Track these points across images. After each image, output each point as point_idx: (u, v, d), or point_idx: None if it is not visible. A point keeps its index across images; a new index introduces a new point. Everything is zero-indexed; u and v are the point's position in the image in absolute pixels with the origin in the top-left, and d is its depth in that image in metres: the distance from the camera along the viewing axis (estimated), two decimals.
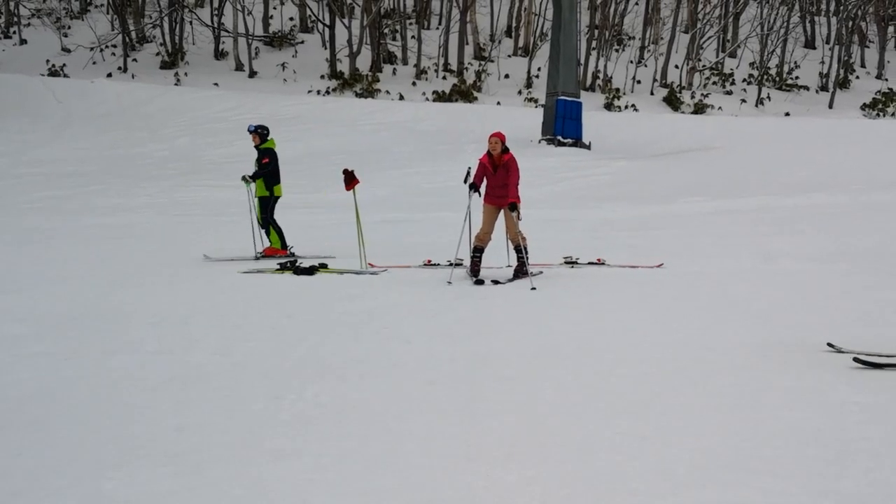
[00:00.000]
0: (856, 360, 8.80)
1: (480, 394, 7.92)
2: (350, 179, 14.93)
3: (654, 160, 30.90)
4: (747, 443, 6.58)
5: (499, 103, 44.02)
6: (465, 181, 16.25)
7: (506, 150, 13.84)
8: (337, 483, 5.82)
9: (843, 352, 9.31)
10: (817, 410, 7.40)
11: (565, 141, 34.18)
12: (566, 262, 15.43)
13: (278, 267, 14.72)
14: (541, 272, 14.27)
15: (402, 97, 44.31)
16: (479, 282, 13.51)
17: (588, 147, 34.21)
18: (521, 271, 13.94)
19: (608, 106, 45.90)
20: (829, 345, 9.54)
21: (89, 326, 10.65)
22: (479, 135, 33.87)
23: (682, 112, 45.84)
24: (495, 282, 13.49)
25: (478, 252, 14.03)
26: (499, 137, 13.79)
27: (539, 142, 34.60)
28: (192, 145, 32.38)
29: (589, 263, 15.49)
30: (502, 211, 13.95)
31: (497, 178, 13.82)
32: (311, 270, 14.50)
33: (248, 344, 9.83)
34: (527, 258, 13.92)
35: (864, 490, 5.74)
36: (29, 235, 18.04)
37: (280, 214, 21.72)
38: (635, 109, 45.41)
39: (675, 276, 14.29)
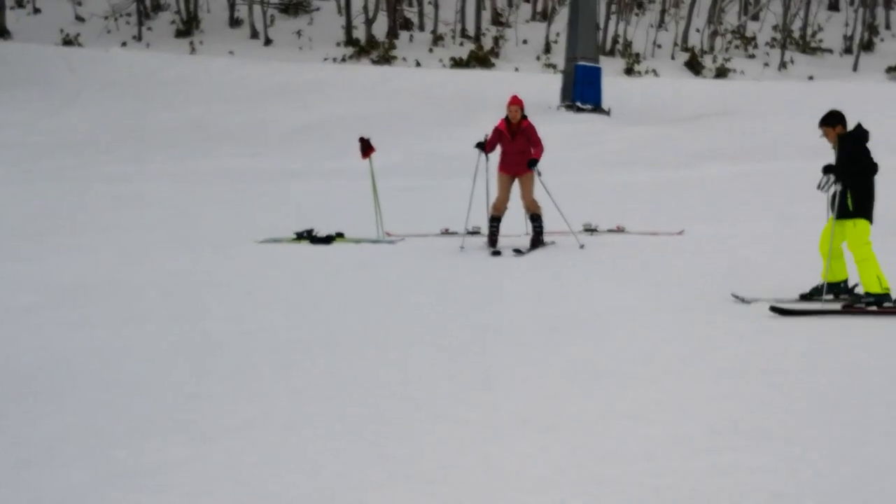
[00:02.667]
0: (771, 308, 9.44)
1: (494, 363, 7.84)
2: (366, 148, 14.82)
3: (674, 125, 30.69)
4: (767, 407, 6.47)
5: (517, 69, 43.70)
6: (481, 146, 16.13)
7: (524, 116, 13.72)
8: (348, 451, 5.75)
9: (746, 301, 9.95)
10: (836, 374, 7.29)
11: (584, 107, 33.94)
12: (585, 230, 15.28)
13: (295, 236, 14.62)
14: (553, 242, 14.05)
15: (418, 64, 44.04)
16: (497, 253, 13.31)
17: (608, 113, 33.97)
18: (538, 241, 13.83)
19: (628, 71, 45.53)
20: (734, 295, 10.16)
21: (100, 296, 10.63)
22: (497, 101, 33.55)
23: (704, 77, 45.44)
24: (518, 251, 13.32)
25: (495, 221, 13.88)
26: (518, 104, 13.66)
27: (558, 108, 34.35)
28: (206, 114, 32.28)
29: (608, 231, 15.35)
30: (517, 179, 13.78)
31: (516, 144, 13.62)
32: (327, 239, 14.40)
33: (261, 313, 9.78)
34: (542, 228, 13.87)
35: (888, 454, 5.62)
36: (40, 204, 18.00)
37: (296, 184, 21.67)
38: (656, 74, 45.03)
39: (696, 241, 14.15)
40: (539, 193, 13.90)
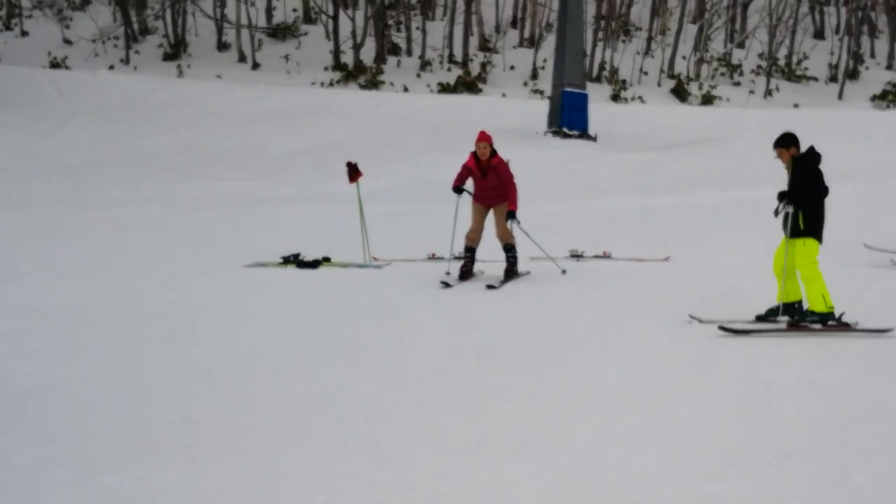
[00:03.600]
0: (720, 328, 9.86)
1: (486, 386, 7.86)
2: (353, 172, 14.86)
3: (660, 152, 30.76)
4: (756, 434, 6.49)
5: (504, 95, 43.80)
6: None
7: (493, 153, 13.15)
8: (342, 476, 5.74)
9: (703, 321, 10.33)
10: (822, 402, 7.32)
11: (571, 133, 33.97)
12: (572, 256, 15.33)
13: (281, 260, 14.61)
14: (528, 273, 13.68)
15: (406, 89, 44.12)
16: (447, 285, 12.73)
17: (594, 139, 34.03)
18: (512, 272, 13.33)
19: (615, 97, 45.66)
20: (691, 316, 10.57)
21: (92, 320, 10.60)
22: (484, 127, 33.67)
23: (690, 104, 45.60)
24: (490, 286, 12.62)
25: (469, 252, 13.46)
26: (486, 141, 13.10)
27: (545, 134, 34.40)
28: (195, 138, 32.27)
29: (595, 257, 15.40)
30: (491, 210, 13.42)
31: (488, 181, 13.19)
32: (314, 264, 14.40)
33: (252, 337, 9.77)
34: (516, 258, 13.44)
35: (875, 483, 5.64)
36: (31, 228, 17.94)
37: (286, 208, 21.68)
38: (642, 101, 45.20)
39: (682, 268, 14.19)
40: (520, 236, 13.74)
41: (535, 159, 27.28)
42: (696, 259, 14.92)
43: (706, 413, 7.03)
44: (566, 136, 34.00)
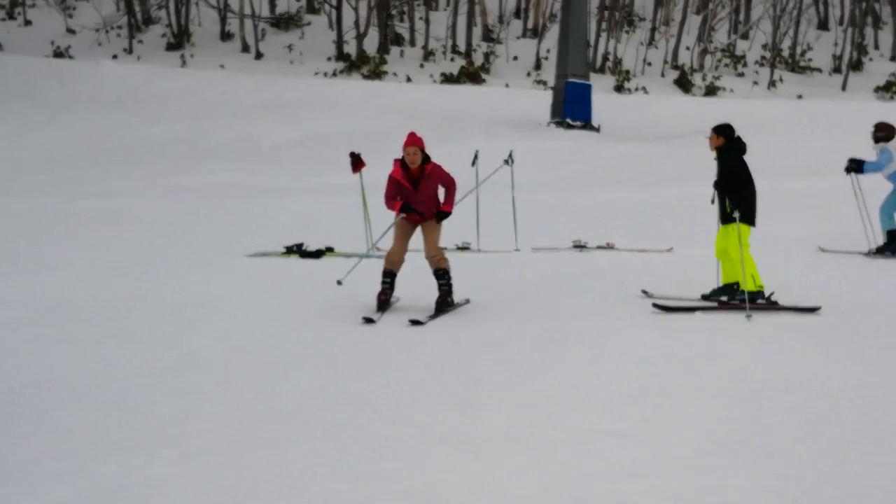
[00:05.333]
0: (654, 305, 10.71)
1: (481, 380, 7.84)
2: (356, 162, 14.84)
3: (664, 143, 30.66)
4: (751, 426, 6.48)
5: (507, 85, 43.71)
6: (473, 164, 16.14)
7: (426, 158, 10.75)
8: (336, 469, 5.72)
9: (652, 296, 11.28)
10: (819, 393, 7.30)
11: (574, 124, 33.88)
12: (575, 247, 15.30)
13: (284, 250, 14.59)
14: (466, 301, 11.19)
15: (409, 79, 44.04)
16: (369, 320, 10.15)
17: (597, 130, 33.93)
18: (444, 303, 10.74)
19: (618, 88, 45.56)
20: (643, 291, 11.58)
21: (86, 312, 10.57)
22: (487, 117, 33.68)
23: (694, 95, 45.50)
24: (415, 322, 10.05)
25: (388, 277, 10.78)
26: (418, 145, 10.66)
27: (548, 125, 34.30)
28: (195, 128, 32.18)
29: (598, 248, 15.37)
30: (420, 227, 10.96)
31: (420, 193, 10.73)
32: (317, 254, 14.39)
33: (249, 329, 9.76)
34: (450, 286, 10.85)
35: (868, 477, 5.62)
36: (26, 219, 17.90)
37: (286, 199, 21.64)
38: (646, 92, 45.10)
39: (684, 259, 14.16)
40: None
41: (538, 150, 27.21)
42: (698, 250, 14.87)
43: (702, 405, 7.01)
44: (569, 126, 33.91)
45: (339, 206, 19.42)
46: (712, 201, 11.30)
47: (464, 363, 8.40)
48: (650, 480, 5.48)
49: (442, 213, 10.88)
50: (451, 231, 15.36)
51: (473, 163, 16.14)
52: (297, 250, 14.55)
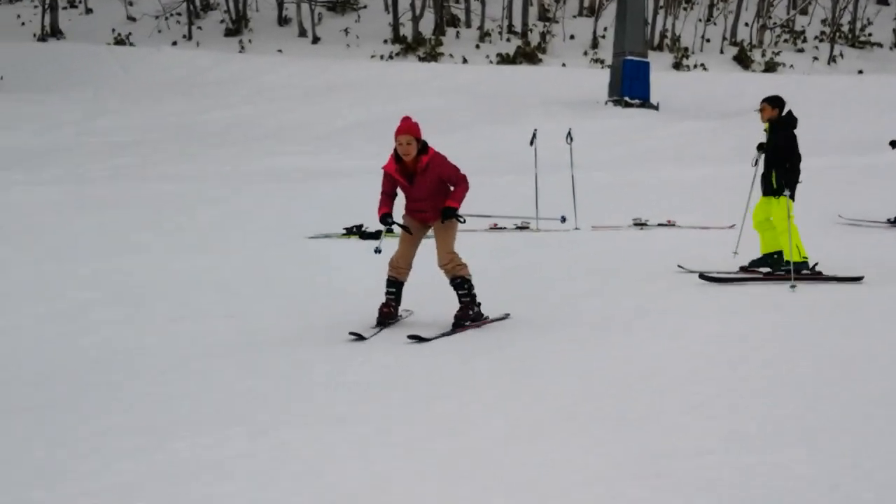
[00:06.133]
0: (700, 276, 10.87)
1: (546, 360, 7.86)
2: None
3: (723, 120, 30.42)
4: (813, 404, 6.41)
5: (564, 65, 43.51)
6: (531, 143, 16.14)
7: (424, 147, 9.03)
8: (401, 446, 5.76)
9: (691, 271, 11.30)
10: (880, 374, 7.21)
11: (633, 102, 33.72)
12: (635, 224, 15.26)
13: (345, 232, 14.70)
14: (507, 316, 9.47)
15: (465, 60, 43.98)
16: (359, 337, 8.68)
17: (656, 108, 33.73)
18: (464, 316, 9.05)
19: (676, 65, 45.17)
20: (679, 266, 11.61)
21: (158, 293, 10.73)
22: (545, 97, 33.58)
23: (753, 71, 45.00)
24: (417, 338, 8.54)
25: (392, 287, 9.23)
26: (411, 133, 8.95)
27: (605, 103, 34.15)
28: (254, 112, 32.46)
29: (659, 225, 15.31)
30: (434, 230, 9.25)
31: (417, 189, 9.07)
32: (377, 235, 14.47)
33: (314, 309, 9.84)
34: (472, 297, 9.14)
35: None
36: (94, 204, 18.16)
37: (345, 180, 21.76)
38: (704, 69, 44.66)
39: (746, 236, 14.05)
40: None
41: (596, 129, 27.09)
42: None
43: (762, 383, 6.98)
44: (627, 105, 33.74)
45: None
46: (754, 163, 11.58)
47: (517, 342, 8.41)
48: (722, 456, 5.47)
49: (447, 211, 8.94)
50: (509, 209, 15.46)
51: (532, 142, 16.15)
52: (357, 232, 14.65)
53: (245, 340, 8.60)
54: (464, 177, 9.07)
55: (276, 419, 6.31)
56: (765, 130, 11.61)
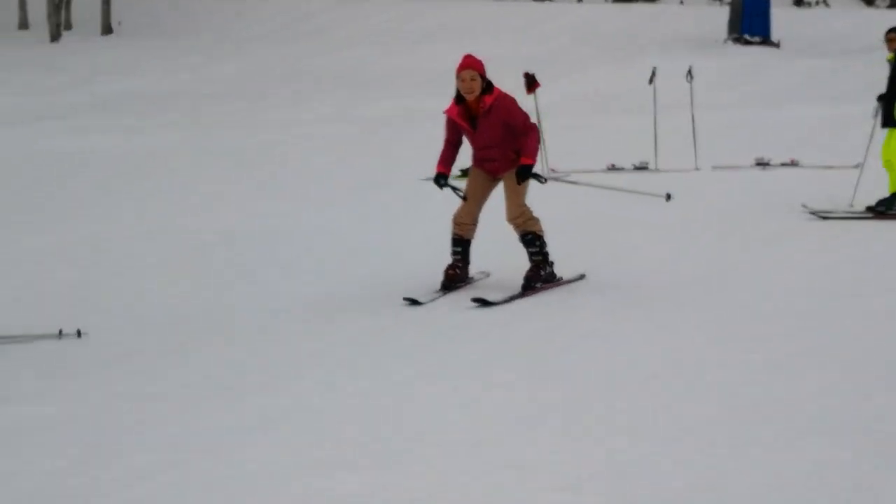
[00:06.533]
0: (813, 213, 10.89)
1: (677, 295, 7.70)
2: (531, 83, 14.77)
3: (847, 57, 29.50)
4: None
5: (682, 2, 42.65)
6: (650, 82, 15.83)
7: (488, 87, 8.04)
8: (494, 397, 5.70)
9: (815, 212, 11.01)
10: None
11: (752, 39, 32.91)
12: (757, 164, 14.91)
13: (460, 173, 14.62)
14: (582, 276, 8.63)
15: (580, 0, 43.42)
16: (414, 301, 8.00)
17: (777, 45, 32.89)
18: (535, 277, 8.24)
19: (797, 2, 43.87)
20: (803, 206, 11.25)
21: (257, 243, 10.65)
22: (662, 36, 32.95)
23: (877, 7, 43.50)
24: (482, 301, 7.86)
25: (459, 246, 8.38)
26: (474, 67, 8.04)
27: (725, 41, 33.36)
28: (365, 56, 32.47)
29: (781, 165, 14.93)
30: (503, 182, 8.29)
31: (482, 134, 8.12)
32: None
33: (419, 254, 9.67)
34: (545, 255, 8.30)
35: None
36: (208, 151, 18.26)
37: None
38: (826, 5, 43.34)
39: (874, 174, 13.59)
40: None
41: (715, 68, 26.44)
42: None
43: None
44: (747, 42, 32.95)
45: None
46: (875, 114, 11.21)
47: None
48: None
49: (523, 169, 8.00)
50: (627, 152, 15.22)
51: (651, 80, 15.87)
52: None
53: (332, 290, 8.52)
54: (533, 126, 8.21)
55: (348, 372, 6.28)
56: (888, 60, 11.15)
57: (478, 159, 8.31)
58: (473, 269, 8.56)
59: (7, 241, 10.72)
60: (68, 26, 37.07)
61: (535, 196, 8.44)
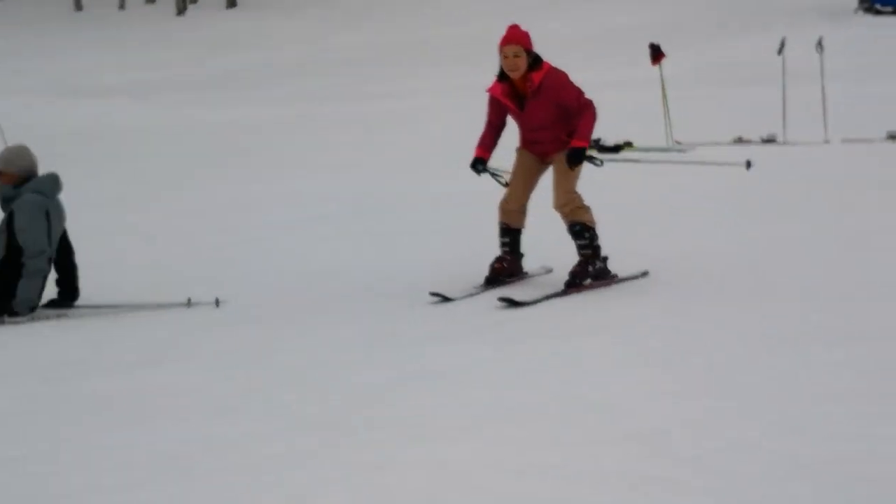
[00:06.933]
0: None
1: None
2: (656, 53, 14.67)
3: None
4: None
5: None
6: (779, 52, 15.47)
7: (536, 62, 7.19)
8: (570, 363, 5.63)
9: None
10: None
11: (884, 9, 31.96)
12: (890, 138, 14.46)
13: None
14: (645, 273, 7.62)
15: None
16: (443, 298, 7.25)
17: None
18: (582, 273, 7.33)
19: None
20: None
21: (383, 210, 10.79)
22: (790, 5, 32.08)
23: None
24: (509, 301, 7.00)
25: (507, 236, 7.51)
26: (520, 41, 7.17)
27: (855, 11, 32.40)
28: (481, 27, 32.34)
29: None
30: (552, 165, 7.42)
31: (530, 115, 7.29)
32: (615, 148, 14.29)
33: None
34: (595, 249, 7.36)
35: None
36: (315, 123, 18.42)
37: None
38: None
39: None
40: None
41: (845, 39, 25.71)
42: None
43: None
44: (878, 13, 32.02)
45: (638, 99, 19.08)
46: None
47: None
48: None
49: (574, 153, 7.13)
50: (754, 124, 14.88)
51: (780, 51, 15.51)
52: (595, 145, 14.44)
53: (452, 257, 8.47)
54: (588, 102, 7.23)
55: (522, 329, 6.30)
56: None
57: (526, 141, 7.48)
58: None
59: (146, 209, 11.13)
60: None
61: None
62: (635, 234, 8.80)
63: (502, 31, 7.25)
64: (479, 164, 7.44)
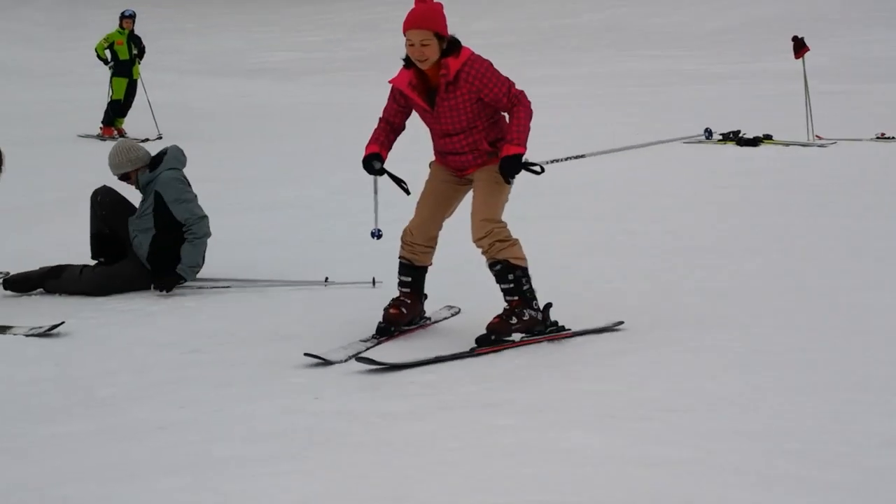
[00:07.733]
0: None
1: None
2: (799, 46, 14.48)
3: None
4: None
5: None
6: None
7: (453, 46, 5.53)
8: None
9: None
10: None
11: None
12: None
13: (721, 137, 14.41)
14: (619, 324, 5.89)
15: None
16: (324, 361, 5.36)
17: None
18: (504, 329, 5.55)
19: None
20: None
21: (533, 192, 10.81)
22: None
23: None
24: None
25: (409, 275, 5.87)
26: (426, 24, 5.43)
27: None
28: (626, 13, 32.19)
29: None
30: (473, 185, 5.74)
31: (443, 116, 5.61)
32: (755, 141, 14.16)
33: (681, 214, 9.61)
34: (525, 294, 5.61)
35: None
36: None
37: (716, 85, 21.28)
38: None
39: None
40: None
41: None
42: None
43: None
44: None
45: (779, 92, 18.80)
46: None
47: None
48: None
49: (509, 162, 5.45)
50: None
51: None
52: (734, 138, 14.34)
53: (614, 239, 8.51)
54: (519, 93, 5.59)
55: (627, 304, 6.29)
56: None
57: (440, 152, 5.82)
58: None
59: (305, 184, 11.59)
60: None
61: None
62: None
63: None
64: (376, 163, 5.68)
